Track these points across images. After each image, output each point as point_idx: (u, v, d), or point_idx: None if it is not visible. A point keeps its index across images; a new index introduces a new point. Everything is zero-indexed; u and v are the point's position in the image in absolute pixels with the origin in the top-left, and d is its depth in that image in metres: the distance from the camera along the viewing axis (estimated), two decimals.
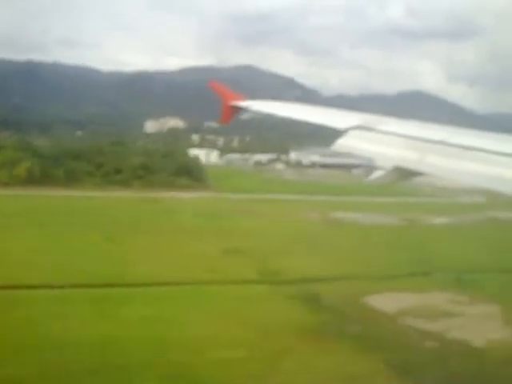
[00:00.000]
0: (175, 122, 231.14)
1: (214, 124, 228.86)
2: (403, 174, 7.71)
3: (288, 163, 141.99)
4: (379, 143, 8.56)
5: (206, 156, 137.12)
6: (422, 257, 49.79)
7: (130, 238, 52.45)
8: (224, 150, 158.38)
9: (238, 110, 14.97)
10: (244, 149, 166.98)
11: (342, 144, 9.13)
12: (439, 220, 72.43)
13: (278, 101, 15.12)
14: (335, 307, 35.72)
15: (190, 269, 43.11)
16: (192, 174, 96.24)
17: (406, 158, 7.57)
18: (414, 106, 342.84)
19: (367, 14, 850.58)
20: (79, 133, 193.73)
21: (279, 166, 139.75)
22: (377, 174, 8.08)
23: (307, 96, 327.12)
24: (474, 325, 33.85)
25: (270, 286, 40.62)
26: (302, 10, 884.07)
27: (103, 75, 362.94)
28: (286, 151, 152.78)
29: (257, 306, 34.89)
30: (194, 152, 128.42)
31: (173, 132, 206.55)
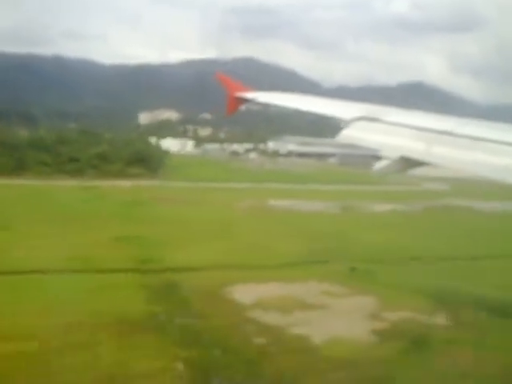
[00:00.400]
0: (169, 114, 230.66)
1: (208, 116, 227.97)
2: (409, 163, 7.75)
3: (264, 152, 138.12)
4: (385, 133, 8.47)
5: (181, 146, 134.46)
6: (333, 245, 46.36)
7: (26, 225, 49.93)
8: (204, 140, 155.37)
9: (243, 101, 15.06)
10: (229, 139, 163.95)
11: (346, 135, 9.07)
12: (383, 207, 68.37)
13: (282, 92, 14.97)
14: (183, 297, 32.54)
15: (62, 257, 40.37)
16: (146, 163, 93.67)
17: (413, 148, 7.59)
18: (415, 97, 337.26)
19: (372, 8, 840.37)
20: (72, 125, 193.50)
21: (252, 155, 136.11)
22: (382, 163, 8.11)
23: (308, 88, 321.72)
24: (329, 319, 30.18)
25: (135, 274, 37.51)
26: (306, 4, 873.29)
27: (105, 68, 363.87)
28: (265, 141, 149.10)
29: (97, 296, 31.87)
30: (168, 142, 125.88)
31: (165, 123, 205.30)
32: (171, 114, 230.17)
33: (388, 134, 8.49)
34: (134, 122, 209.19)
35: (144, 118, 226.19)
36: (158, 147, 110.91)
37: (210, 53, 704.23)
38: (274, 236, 49.70)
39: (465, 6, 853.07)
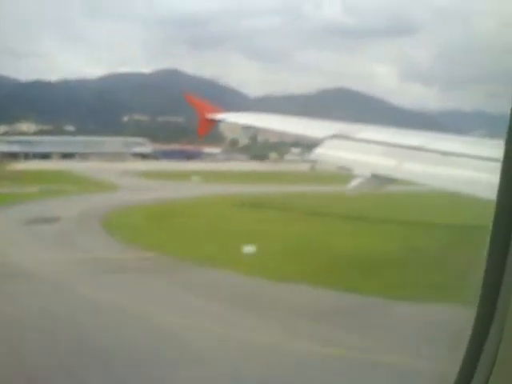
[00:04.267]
0: (26, 126, 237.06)
1: (71, 128, 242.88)
2: (381, 180, 7.86)
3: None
4: (356, 151, 8.58)
5: None
6: None
7: None
8: None
9: (214, 122, 15.43)
10: None
11: (319, 153, 9.34)
12: None
13: (254, 112, 15.68)
14: None
15: None
16: None
17: (384, 166, 7.64)
18: (337, 103, 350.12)
19: (304, 14, 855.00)
20: None
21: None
22: (355, 182, 8.20)
23: (232, 97, 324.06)
24: None
25: None
26: (236, 12, 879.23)
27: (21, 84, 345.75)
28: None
29: None
30: None
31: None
32: (28, 126, 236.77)
33: (360, 151, 8.74)
34: None
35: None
36: None
37: (143, 66, 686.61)
38: None
39: (397, 10, 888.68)
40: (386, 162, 7.78)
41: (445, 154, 7.00)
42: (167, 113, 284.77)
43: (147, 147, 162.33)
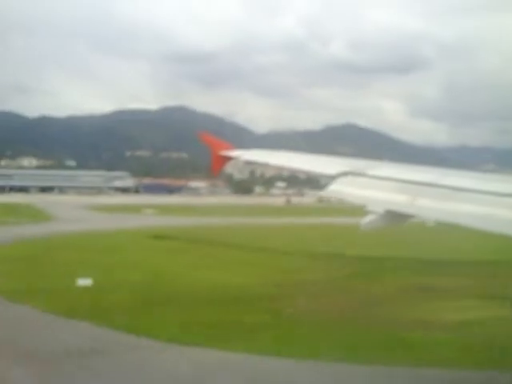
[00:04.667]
0: (28, 161, 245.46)
1: (73, 163, 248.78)
2: (395, 216, 7.78)
3: None
4: (370, 188, 8.54)
5: None
6: None
7: None
8: None
9: (227, 159, 15.15)
10: None
11: (333, 190, 9.20)
12: None
13: (267, 149, 15.06)
14: None
15: None
16: None
17: (398, 202, 7.65)
18: (345, 139, 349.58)
19: (311, 52, 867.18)
20: None
21: None
22: (369, 218, 8.09)
23: (239, 133, 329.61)
24: None
25: None
26: (242, 49, 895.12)
27: (28, 120, 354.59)
28: None
29: None
30: None
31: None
32: (30, 161, 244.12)
33: (373, 188, 8.61)
34: None
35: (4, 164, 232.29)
36: None
37: (151, 103, 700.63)
38: None
39: (401, 46, 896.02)
40: (400, 198, 7.80)
41: (457, 189, 7.11)
42: (170, 149, 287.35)
43: (128, 181, 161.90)
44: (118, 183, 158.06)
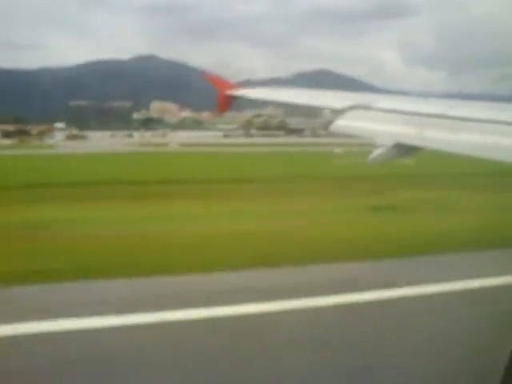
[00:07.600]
0: None
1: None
2: (403, 149, 6.96)
3: None
4: (377, 121, 7.57)
5: None
6: None
7: None
8: None
9: (234, 98, 12.65)
10: None
11: (340, 125, 8.10)
12: None
13: (271, 87, 13.17)
14: None
15: None
16: None
17: (406, 134, 6.86)
18: (317, 86, 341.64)
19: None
20: None
21: None
22: (377, 151, 7.10)
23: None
24: None
25: None
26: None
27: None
28: None
29: None
30: None
31: None
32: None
33: (381, 121, 7.74)
34: None
35: None
36: None
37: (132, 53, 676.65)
38: None
39: None
40: (408, 131, 7.07)
41: (467, 120, 6.34)
42: (118, 98, 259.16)
43: None
44: None
